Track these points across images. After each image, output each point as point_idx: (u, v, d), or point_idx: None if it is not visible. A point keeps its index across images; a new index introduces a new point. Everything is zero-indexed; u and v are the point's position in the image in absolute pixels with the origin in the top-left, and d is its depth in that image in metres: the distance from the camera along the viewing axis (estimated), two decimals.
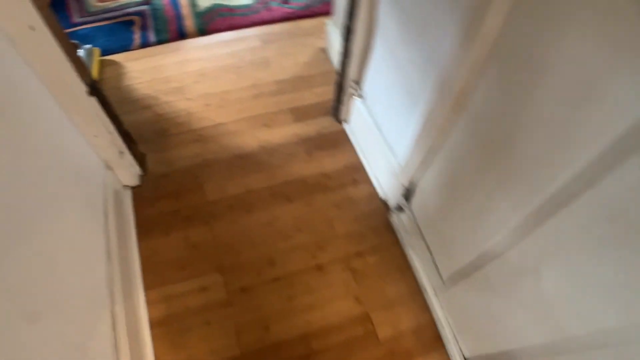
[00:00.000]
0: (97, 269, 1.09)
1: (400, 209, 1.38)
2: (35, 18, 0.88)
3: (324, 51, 1.91)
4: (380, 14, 1.18)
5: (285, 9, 2.08)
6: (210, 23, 2.01)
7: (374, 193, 1.48)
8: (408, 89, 1.13)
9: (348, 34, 1.30)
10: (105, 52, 1.91)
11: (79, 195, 1.09)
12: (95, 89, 1.14)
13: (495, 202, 0.87)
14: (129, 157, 1.39)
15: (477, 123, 0.88)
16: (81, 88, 1.08)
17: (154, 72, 1.81)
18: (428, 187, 1.18)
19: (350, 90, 1.49)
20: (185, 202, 1.43)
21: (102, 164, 1.30)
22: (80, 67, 1.08)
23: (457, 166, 1.00)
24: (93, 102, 1.14)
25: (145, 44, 1.94)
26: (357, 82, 1.46)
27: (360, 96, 1.47)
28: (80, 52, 1.77)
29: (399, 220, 1.38)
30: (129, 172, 1.40)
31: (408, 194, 1.31)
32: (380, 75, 1.29)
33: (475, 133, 0.90)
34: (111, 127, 1.26)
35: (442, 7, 0.88)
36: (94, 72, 1.78)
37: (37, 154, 0.91)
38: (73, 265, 0.96)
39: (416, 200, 1.28)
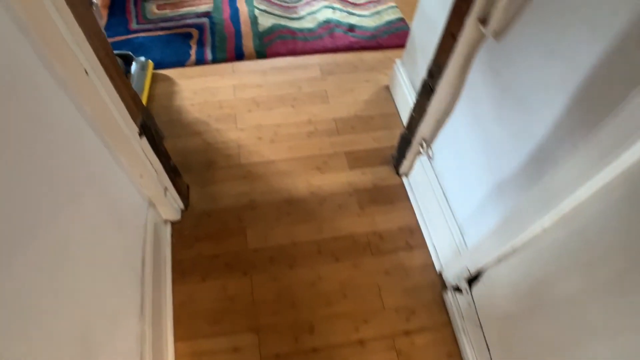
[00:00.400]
0: (129, 327, 1.00)
1: (458, 289, 1.24)
2: (91, 61, 0.79)
3: (387, 90, 1.78)
4: (471, 81, 1.04)
5: (350, 38, 1.96)
6: (269, 45, 1.92)
7: (429, 263, 1.35)
8: (494, 174, 0.99)
9: (427, 92, 1.17)
10: (158, 66, 1.85)
11: (119, 245, 1.01)
12: (146, 128, 1.06)
13: (595, 346, 0.73)
14: (173, 193, 1.31)
15: (586, 246, 0.74)
16: (132, 129, 1.00)
17: (207, 94, 1.73)
18: (499, 283, 1.04)
19: (418, 148, 1.36)
20: (226, 246, 1.34)
21: (145, 202, 1.22)
22: (133, 106, 1.00)
23: (546, 280, 0.86)
24: (143, 142, 1.06)
25: (200, 61, 1.86)
26: (427, 142, 1.32)
27: (428, 156, 1.34)
28: (134, 66, 1.71)
29: (454, 301, 1.25)
30: (171, 207, 1.32)
31: (471, 278, 1.17)
32: (458, 143, 1.16)
33: (581, 255, 0.75)
34: (158, 165, 1.18)
35: (571, 119, 0.73)
36: (146, 86, 1.71)
37: (78, 201, 0.82)
38: (105, 328, 0.88)
39: (480, 288, 1.14)
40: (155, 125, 1.52)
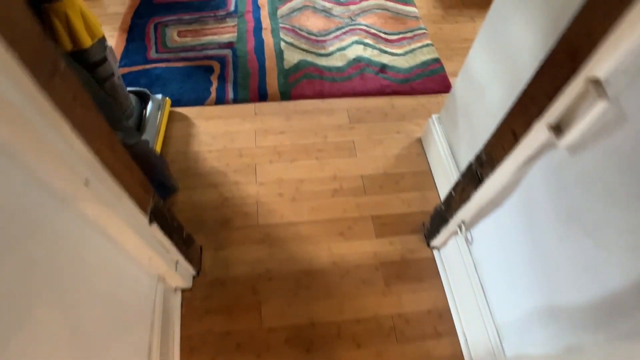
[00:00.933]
0: None
1: None
2: (92, 167, 0.68)
3: (419, 144, 1.65)
4: (529, 183, 0.90)
5: (381, 80, 1.83)
6: (295, 86, 1.79)
7: (457, 354, 1.22)
8: (547, 295, 0.86)
9: (474, 180, 1.04)
10: (177, 102, 1.74)
11: (124, 347, 0.91)
12: (157, 212, 0.95)
13: None
14: (184, 264, 1.20)
15: None
16: (141, 220, 0.89)
17: (226, 139, 1.62)
18: None
19: (455, 228, 1.23)
20: (239, 323, 1.23)
21: (154, 280, 1.11)
22: (143, 194, 0.89)
23: None
24: (153, 228, 0.95)
25: (221, 100, 1.75)
26: (467, 225, 1.19)
27: (466, 240, 1.21)
28: (150, 105, 1.60)
29: None
30: (182, 277, 1.21)
31: None
32: (504, 241, 1.02)
33: None
34: (170, 244, 1.07)
35: None
36: (162, 128, 1.61)
37: (78, 314, 0.72)
38: None
39: None
40: (169, 178, 1.41)
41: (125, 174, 0.79)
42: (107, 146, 0.72)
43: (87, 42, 1.22)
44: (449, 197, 1.19)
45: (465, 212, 1.14)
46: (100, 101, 1.13)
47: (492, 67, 1.16)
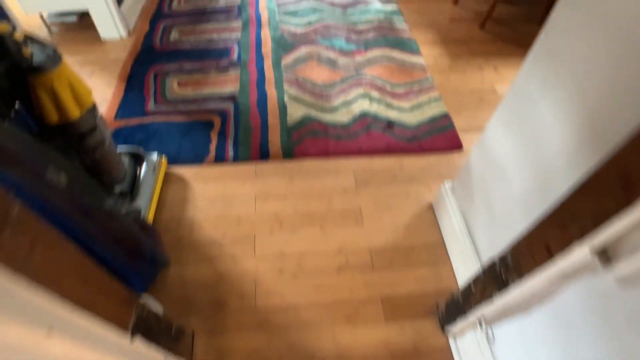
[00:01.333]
0: None
1: None
2: (57, 312, 0.57)
3: (430, 210, 1.54)
4: (565, 302, 0.79)
5: (388, 138, 1.74)
6: (298, 144, 1.70)
7: None
8: None
9: (498, 282, 0.92)
10: (173, 160, 1.65)
11: None
12: (140, 323, 0.84)
13: None
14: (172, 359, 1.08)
15: None
16: (122, 340, 0.78)
17: (224, 205, 1.52)
18: None
19: (475, 322, 1.11)
20: None
21: None
22: (123, 310, 0.78)
23: None
24: (136, 343, 0.83)
25: (220, 159, 1.66)
26: (487, 321, 1.07)
27: (487, 337, 1.08)
28: (144, 167, 1.51)
29: None
30: None
31: None
32: (532, 350, 0.90)
33: None
34: (156, 349, 0.95)
35: None
36: (156, 192, 1.51)
37: None
38: None
39: None
40: (160, 251, 1.30)
41: (100, 301, 0.68)
42: (78, 280, 0.61)
43: (75, 114, 1.13)
44: (468, 290, 1.07)
45: (485, 309, 1.03)
46: (82, 182, 1.04)
47: (513, 148, 1.06)
